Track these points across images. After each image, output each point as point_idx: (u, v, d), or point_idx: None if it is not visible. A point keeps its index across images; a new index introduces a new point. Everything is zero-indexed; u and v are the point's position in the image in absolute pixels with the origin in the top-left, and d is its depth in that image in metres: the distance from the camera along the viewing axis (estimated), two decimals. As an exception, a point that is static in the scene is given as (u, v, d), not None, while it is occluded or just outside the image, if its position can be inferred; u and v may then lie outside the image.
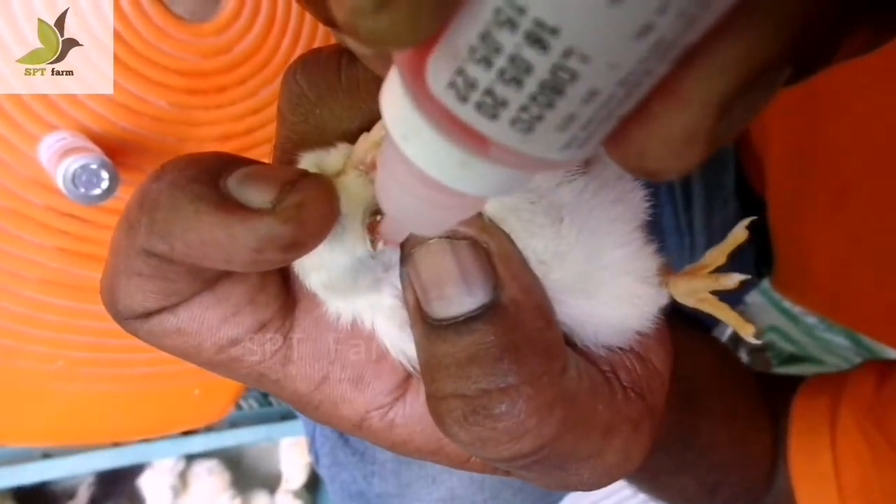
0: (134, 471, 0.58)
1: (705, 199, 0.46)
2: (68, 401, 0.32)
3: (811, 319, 0.58)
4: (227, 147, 0.31)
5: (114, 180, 0.24)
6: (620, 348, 0.16)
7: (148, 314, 0.14)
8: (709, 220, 0.47)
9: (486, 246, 0.15)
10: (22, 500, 0.54)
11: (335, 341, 0.16)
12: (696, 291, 0.16)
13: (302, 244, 0.13)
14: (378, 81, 0.13)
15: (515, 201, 0.15)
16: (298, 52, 0.31)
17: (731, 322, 0.16)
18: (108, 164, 0.23)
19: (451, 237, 0.14)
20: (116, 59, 0.27)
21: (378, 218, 0.14)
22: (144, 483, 0.60)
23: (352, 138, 0.14)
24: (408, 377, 0.16)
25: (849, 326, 0.47)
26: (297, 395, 0.16)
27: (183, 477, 0.61)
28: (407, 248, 0.15)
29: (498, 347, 0.14)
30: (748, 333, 0.16)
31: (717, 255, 0.16)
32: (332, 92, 0.14)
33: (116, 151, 0.28)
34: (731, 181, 0.48)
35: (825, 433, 0.27)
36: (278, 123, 0.15)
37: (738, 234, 0.16)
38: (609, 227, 0.16)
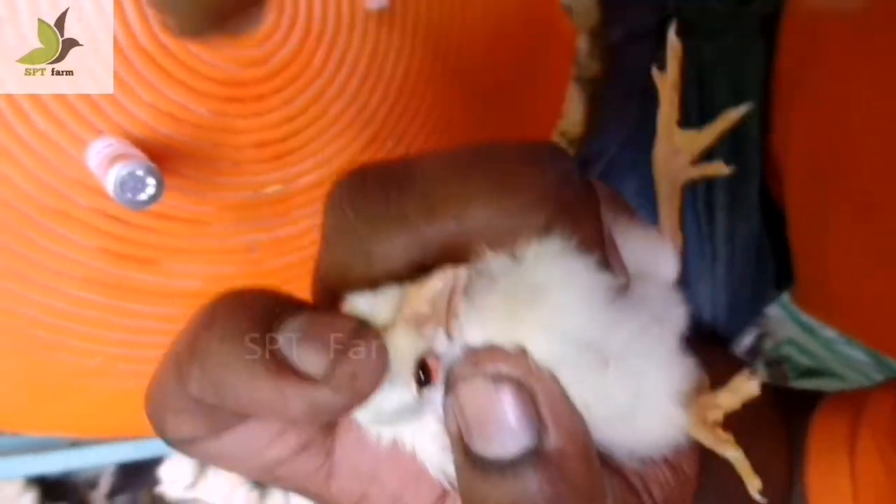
0: (153, 463, 0.59)
1: (728, 210, 0.47)
2: (101, 395, 0.33)
3: (830, 333, 0.58)
4: (264, 154, 0.32)
5: (160, 186, 0.25)
6: (654, 460, 0.17)
7: (195, 440, 0.15)
8: (732, 233, 0.47)
9: (531, 389, 0.15)
10: (46, 489, 0.55)
11: (375, 460, 0.16)
12: (707, 441, 0.16)
13: (352, 408, 0.13)
14: (430, 217, 0.13)
15: (561, 349, 0.15)
16: (332, 61, 0.32)
17: (742, 471, 0.16)
18: (155, 170, 0.24)
19: (496, 378, 0.15)
20: (161, 68, 0.28)
21: (428, 361, 0.14)
22: (163, 474, 0.61)
23: (400, 274, 0.14)
24: (445, 494, 0.16)
25: (868, 344, 0.47)
26: None
27: (201, 469, 0.62)
28: (451, 381, 0.15)
29: (542, 497, 0.14)
30: (754, 487, 0.16)
31: (732, 402, 0.16)
32: (383, 226, 0.14)
33: (158, 156, 0.29)
34: (755, 194, 0.48)
35: (844, 454, 0.27)
36: (321, 251, 0.15)
37: (748, 388, 0.16)
38: (650, 352, 0.16)
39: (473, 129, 0.39)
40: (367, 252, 0.14)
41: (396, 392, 0.14)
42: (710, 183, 0.46)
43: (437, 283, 0.14)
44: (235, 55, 0.30)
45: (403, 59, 0.34)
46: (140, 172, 0.24)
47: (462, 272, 0.14)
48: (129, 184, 0.24)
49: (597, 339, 0.15)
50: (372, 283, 0.14)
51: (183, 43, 0.28)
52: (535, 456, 0.14)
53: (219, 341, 0.13)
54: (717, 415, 0.16)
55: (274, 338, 0.13)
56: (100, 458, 0.50)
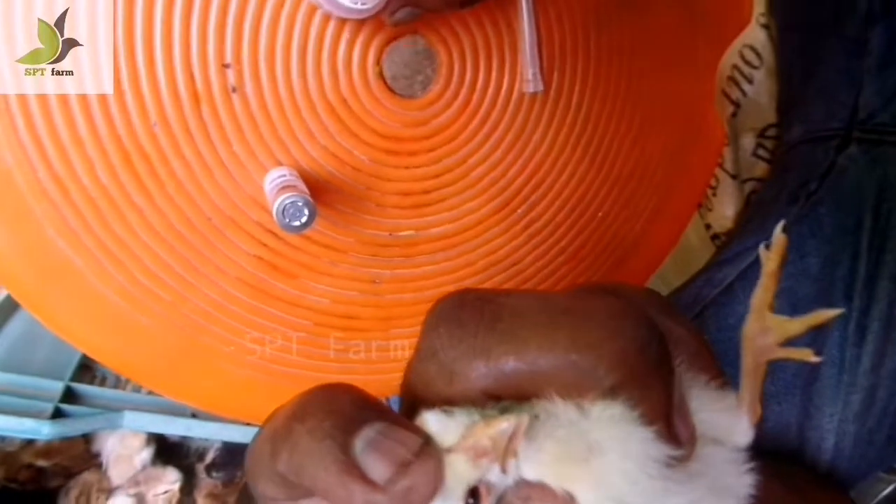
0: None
1: (881, 337, 0.43)
2: (229, 379, 0.38)
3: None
4: (405, 202, 0.36)
5: (311, 216, 0.29)
6: None
7: (276, 499, 0.17)
8: (879, 361, 0.44)
9: None
10: (162, 448, 0.62)
11: None
12: None
13: None
14: (509, 356, 0.15)
15: None
16: (482, 132, 0.36)
17: None
18: (311, 203, 0.29)
19: None
20: (339, 119, 0.33)
21: (480, 488, 0.16)
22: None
23: (475, 399, 0.16)
24: None
25: None
26: None
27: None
28: None
29: None
30: None
31: None
32: (465, 356, 0.16)
33: (318, 188, 0.34)
34: None
35: None
36: (412, 360, 0.17)
37: None
38: None
39: (606, 209, 0.40)
40: (450, 373, 0.16)
41: None
42: (867, 305, 0.43)
43: (502, 424, 0.15)
44: (402, 115, 0.34)
45: (548, 138, 0.37)
46: (300, 203, 0.29)
47: (526, 419, 0.16)
48: (290, 211, 0.29)
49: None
50: (448, 402, 0.16)
51: (360, 101, 0.33)
52: None
53: (308, 434, 0.16)
54: None
55: (352, 441, 0.15)
56: (213, 433, 0.55)
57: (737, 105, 0.54)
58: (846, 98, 0.42)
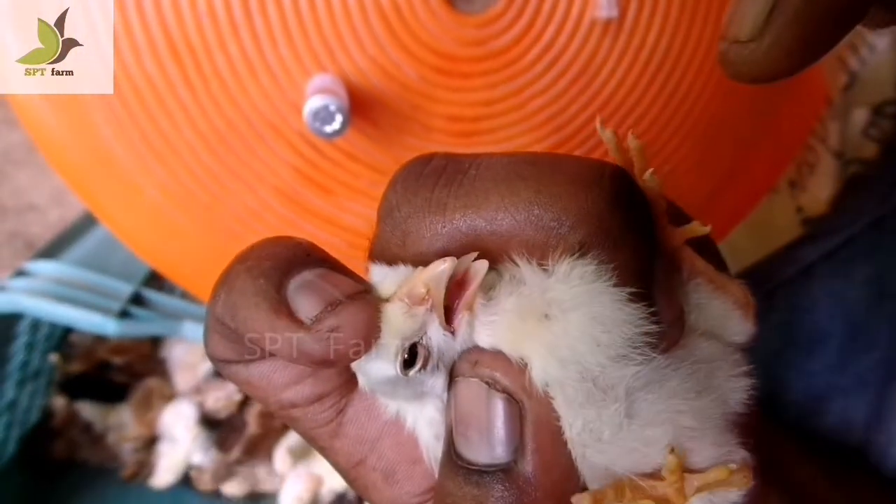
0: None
1: None
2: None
3: None
4: (453, 127, 0.34)
5: (345, 123, 0.28)
6: None
7: (227, 361, 0.17)
8: None
9: (521, 406, 0.14)
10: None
11: (378, 431, 0.17)
12: None
13: (330, 363, 0.14)
14: (466, 210, 0.13)
15: (562, 374, 0.14)
16: (544, 60, 0.33)
17: None
18: (344, 109, 0.28)
19: (492, 384, 0.14)
20: (389, 27, 0.31)
21: (418, 347, 0.15)
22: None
23: (429, 259, 0.15)
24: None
25: None
26: (337, 466, 0.17)
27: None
28: (453, 375, 0.15)
29: None
30: None
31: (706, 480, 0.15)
32: (420, 211, 0.15)
33: (363, 103, 0.32)
34: None
35: None
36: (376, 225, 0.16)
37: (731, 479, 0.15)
38: (679, 419, 0.15)
39: (674, 164, 0.37)
40: (403, 233, 0.15)
41: (381, 363, 0.15)
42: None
43: (437, 267, 0.14)
44: (456, 32, 0.32)
45: (617, 74, 0.34)
46: (332, 108, 0.28)
47: (483, 266, 0.14)
48: (321, 115, 0.28)
49: (607, 375, 0.14)
50: (403, 262, 0.15)
51: (415, 11, 0.31)
52: (504, 473, 0.14)
53: (245, 272, 0.15)
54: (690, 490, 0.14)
55: (287, 281, 0.15)
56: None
57: (853, 75, 0.48)
58: None
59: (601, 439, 0.14)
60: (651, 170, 0.16)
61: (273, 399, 0.17)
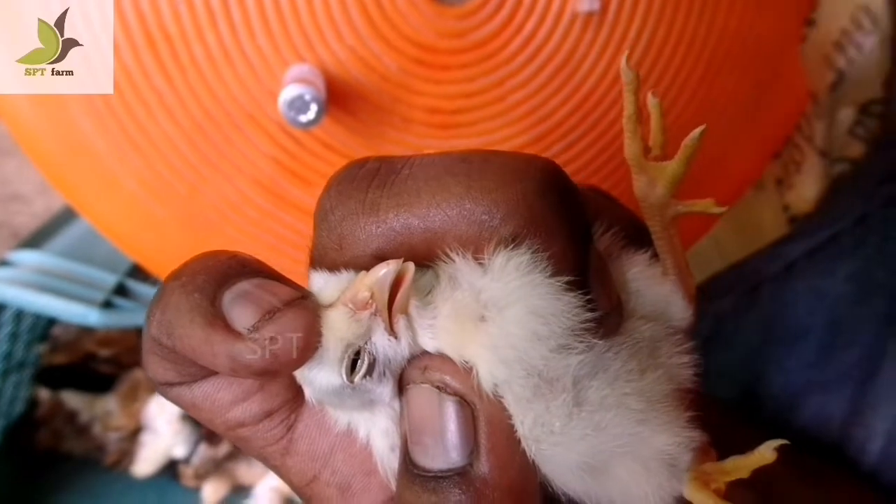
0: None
1: None
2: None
3: None
4: (433, 120, 0.33)
5: (320, 113, 0.28)
6: None
7: (169, 384, 0.16)
8: None
9: (473, 408, 0.14)
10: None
11: (330, 445, 0.17)
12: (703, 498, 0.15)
13: (272, 373, 0.14)
14: (399, 209, 0.13)
15: (508, 374, 0.14)
16: (524, 53, 0.33)
17: None
18: (320, 99, 0.27)
19: (442, 389, 0.14)
20: (369, 18, 0.31)
21: (364, 353, 0.14)
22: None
23: (366, 262, 0.15)
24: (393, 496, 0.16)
25: None
26: (291, 484, 0.17)
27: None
28: (404, 383, 0.15)
29: None
30: None
31: (741, 467, 0.15)
32: (353, 213, 0.15)
33: (342, 94, 0.32)
34: None
35: None
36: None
37: (766, 454, 0.15)
38: (625, 401, 0.15)
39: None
40: (339, 237, 0.15)
41: (326, 372, 0.15)
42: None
43: (379, 270, 0.14)
44: (437, 23, 0.32)
45: (599, 68, 0.34)
46: (307, 97, 0.27)
47: (409, 267, 0.14)
48: (296, 104, 0.27)
49: (551, 367, 0.14)
50: (342, 268, 0.15)
51: (394, 3, 0.31)
52: (461, 477, 0.14)
53: (179, 289, 0.15)
54: (720, 481, 0.14)
55: (222, 293, 0.14)
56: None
57: (840, 73, 0.48)
58: None
59: (553, 431, 0.14)
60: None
61: (220, 420, 0.16)
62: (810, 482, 0.28)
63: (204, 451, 0.57)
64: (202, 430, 0.57)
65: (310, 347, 0.14)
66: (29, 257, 0.55)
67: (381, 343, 0.15)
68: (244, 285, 0.14)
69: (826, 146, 0.48)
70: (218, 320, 0.14)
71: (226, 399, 0.16)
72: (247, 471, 0.54)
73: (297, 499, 0.55)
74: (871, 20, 0.45)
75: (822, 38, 0.44)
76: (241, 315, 0.14)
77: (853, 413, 0.32)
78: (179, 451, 0.54)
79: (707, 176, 0.38)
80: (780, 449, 0.15)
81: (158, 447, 0.54)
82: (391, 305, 0.14)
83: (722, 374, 0.36)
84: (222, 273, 0.15)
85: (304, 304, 0.14)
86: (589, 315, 0.14)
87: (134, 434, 0.58)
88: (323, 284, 0.15)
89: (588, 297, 0.14)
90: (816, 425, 0.32)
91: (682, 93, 0.35)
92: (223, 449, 0.57)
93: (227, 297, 0.14)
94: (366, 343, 0.14)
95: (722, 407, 0.31)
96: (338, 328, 0.14)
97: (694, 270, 0.18)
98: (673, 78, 0.35)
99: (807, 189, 0.49)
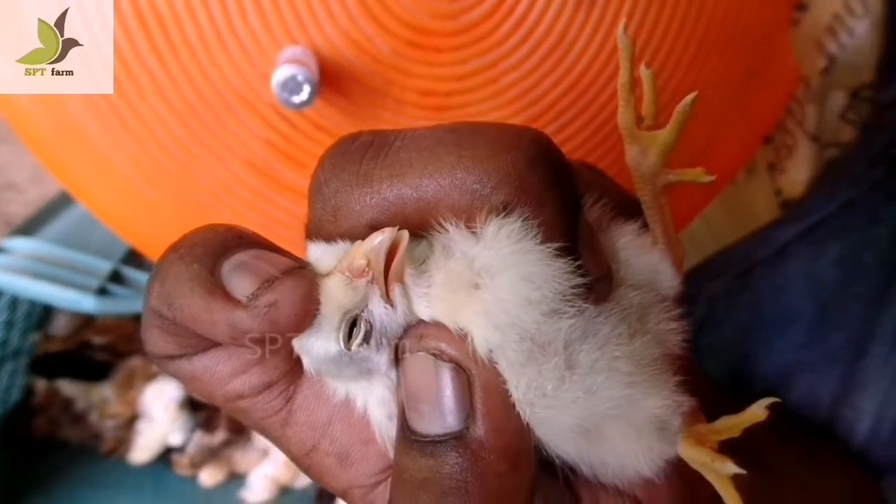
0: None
1: None
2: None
3: None
4: (426, 102, 0.34)
5: (312, 94, 0.28)
6: (619, 490, 0.16)
7: (170, 357, 0.16)
8: None
9: (468, 373, 0.15)
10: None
11: (329, 415, 0.17)
12: (701, 462, 0.15)
13: (272, 340, 0.14)
14: (392, 180, 0.14)
15: (502, 339, 0.14)
16: (517, 35, 0.33)
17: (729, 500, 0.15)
18: (313, 80, 0.27)
19: (438, 356, 0.15)
20: (362, 1, 0.31)
21: (360, 322, 0.15)
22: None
23: (361, 233, 0.15)
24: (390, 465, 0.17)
25: None
26: (291, 455, 0.17)
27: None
28: (401, 352, 0.15)
29: (449, 481, 0.14)
30: None
31: (733, 426, 0.15)
32: (347, 185, 0.15)
33: (335, 76, 0.32)
34: None
35: None
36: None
37: (758, 412, 0.15)
38: (615, 364, 0.15)
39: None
40: (334, 208, 0.15)
41: (324, 340, 0.15)
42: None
43: (375, 238, 0.14)
44: (429, 5, 0.32)
45: (591, 49, 0.34)
46: (300, 78, 0.27)
47: (404, 234, 0.14)
48: (289, 85, 0.28)
49: (543, 331, 0.14)
50: (338, 239, 0.15)
51: (386, -18, 0.31)
52: (457, 441, 0.14)
53: (178, 261, 0.15)
54: (713, 440, 0.15)
55: (221, 263, 0.15)
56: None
57: (831, 59, 0.48)
58: None
59: (545, 394, 0.14)
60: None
61: (220, 392, 0.17)
62: (804, 460, 0.28)
63: (199, 438, 0.57)
64: (198, 417, 0.58)
65: (308, 314, 0.15)
66: (23, 244, 0.55)
67: (378, 311, 0.15)
68: (242, 256, 0.15)
69: (818, 131, 0.48)
70: (217, 289, 0.14)
71: (225, 371, 0.16)
72: (242, 458, 0.55)
73: (291, 486, 0.55)
74: (863, 5, 0.45)
75: (814, 22, 0.44)
76: (240, 284, 0.14)
77: (842, 394, 0.33)
78: (176, 439, 0.55)
79: (698, 158, 0.38)
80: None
81: (155, 435, 0.54)
82: (387, 273, 0.14)
83: (713, 355, 0.36)
84: (220, 244, 0.15)
85: (302, 272, 0.15)
86: (579, 280, 0.15)
87: (130, 422, 0.58)
88: (319, 255, 0.15)
89: (578, 263, 0.15)
90: (806, 405, 0.33)
91: (672, 75, 0.35)
92: (219, 437, 0.58)
93: (226, 267, 0.15)
94: (362, 311, 0.15)
95: (713, 386, 0.31)
96: (335, 296, 0.15)
97: (687, 253, 0.18)
98: (664, 60, 0.35)
99: (798, 173, 0.49)
